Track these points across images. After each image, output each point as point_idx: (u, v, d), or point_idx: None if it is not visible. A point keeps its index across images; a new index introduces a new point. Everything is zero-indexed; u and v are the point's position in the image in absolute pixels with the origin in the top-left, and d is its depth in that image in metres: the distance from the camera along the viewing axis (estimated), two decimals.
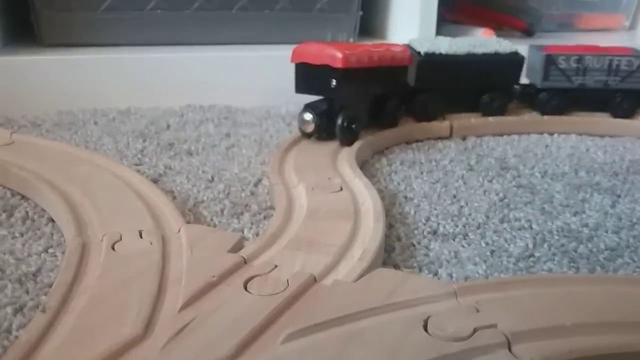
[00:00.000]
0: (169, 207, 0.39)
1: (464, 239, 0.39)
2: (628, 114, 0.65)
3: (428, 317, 0.27)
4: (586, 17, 1.10)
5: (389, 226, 0.41)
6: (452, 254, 0.37)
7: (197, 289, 0.28)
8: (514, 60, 0.64)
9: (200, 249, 0.33)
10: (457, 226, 0.41)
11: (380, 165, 0.54)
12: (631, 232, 0.40)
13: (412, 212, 0.43)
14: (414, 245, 0.38)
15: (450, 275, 0.35)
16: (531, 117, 0.66)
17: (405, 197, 0.46)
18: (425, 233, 0.40)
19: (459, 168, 0.52)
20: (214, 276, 0.29)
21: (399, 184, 0.49)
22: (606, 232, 0.40)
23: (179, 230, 0.35)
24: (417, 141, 0.61)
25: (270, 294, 0.28)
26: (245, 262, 0.32)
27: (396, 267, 0.35)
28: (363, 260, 0.32)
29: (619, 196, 0.47)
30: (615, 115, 0.65)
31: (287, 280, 0.29)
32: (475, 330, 0.26)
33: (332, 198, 0.41)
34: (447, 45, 0.63)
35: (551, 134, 0.64)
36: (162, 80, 0.72)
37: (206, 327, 0.26)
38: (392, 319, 0.27)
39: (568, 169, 0.53)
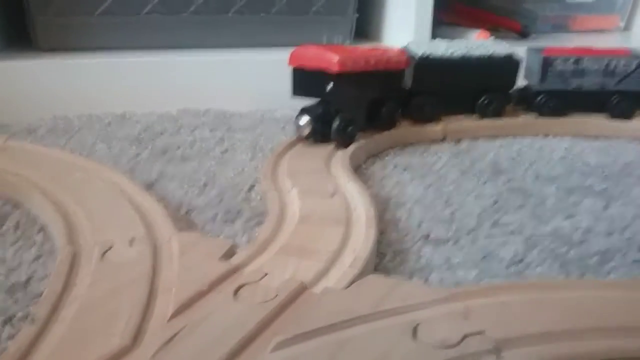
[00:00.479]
0: (161, 214, 0.39)
1: (455, 244, 0.39)
2: (625, 115, 0.65)
3: (417, 325, 0.27)
4: (581, 18, 1.10)
5: (381, 232, 0.41)
6: (444, 259, 0.37)
7: (187, 298, 0.28)
8: (510, 63, 0.64)
9: (192, 257, 0.33)
10: (448, 231, 0.41)
11: (374, 169, 0.54)
12: (622, 236, 0.40)
13: (405, 217, 0.43)
14: (405, 251, 0.38)
15: (442, 281, 0.35)
16: (525, 119, 0.66)
17: (398, 202, 0.46)
18: (417, 238, 0.40)
19: (452, 172, 0.53)
20: (204, 285, 0.29)
21: (392, 188, 0.49)
22: (597, 235, 0.40)
23: (170, 238, 0.35)
24: (411, 144, 0.61)
25: (260, 302, 0.28)
26: (236, 270, 0.32)
27: (388, 273, 0.35)
28: (354, 267, 0.32)
29: (611, 199, 0.47)
30: (613, 116, 0.65)
31: (278, 288, 0.29)
32: (464, 337, 0.26)
33: (325, 203, 0.41)
34: (443, 48, 0.63)
35: (545, 136, 0.64)
36: (157, 85, 0.72)
37: (195, 336, 0.26)
38: (382, 327, 0.27)
39: (561, 172, 0.53)
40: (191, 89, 0.73)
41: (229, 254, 0.34)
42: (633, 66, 0.64)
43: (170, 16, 0.77)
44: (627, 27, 1.12)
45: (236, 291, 0.29)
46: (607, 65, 0.64)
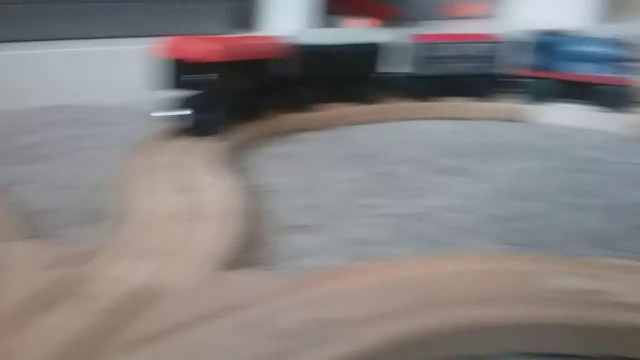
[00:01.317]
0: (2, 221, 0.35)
1: (319, 230, 0.39)
2: (486, 97, 0.69)
3: (262, 318, 0.26)
4: (457, 5, 1.16)
5: (244, 224, 0.39)
6: (305, 247, 0.37)
7: (9, 311, 0.26)
8: (372, 50, 0.66)
9: (25, 267, 0.30)
10: (313, 217, 0.41)
11: (248, 160, 0.53)
12: (486, 211, 0.42)
13: (270, 206, 0.43)
14: (267, 242, 0.38)
15: (303, 269, 0.34)
16: (395, 104, 0.67)
17: (265, 192, 0.45)
18: (280, 228, 0.39)
19: (324, 159, 0.53)
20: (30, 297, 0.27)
21: (262, 178, 0.48)
22: (462, 213, 0.42)
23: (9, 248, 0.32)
24: (287, 133, 0.60)
25: (98, 309, 0.26)
26: (80, 277, 0.29)
27: (246, 266, 0.35)
28: (205, 264, 0.31)
29: (476, 177, 0.49)
30: (475, 98, 0.69)
31: (118, 292, 0.28)
32: (306, 325, 0.26)
33: (182, 200, 0.39)
34: (321, 36, 0.64)
35: (414, 119, 0.66)
36: (9, 81, 0.66)
37: (27, 354, 0.23)
38: (228, 324, 0.26)
39: (428, 153, 0.55)
40: (47, 85, 0.67)
41: (74, 259, 0.31)
42: (490, 50, 0.68)
43: (22, 6, 0.71)
44: (498, 14, 1.19)
45: (77, 299, 0.27)
46: (468, 49, 0.67)
